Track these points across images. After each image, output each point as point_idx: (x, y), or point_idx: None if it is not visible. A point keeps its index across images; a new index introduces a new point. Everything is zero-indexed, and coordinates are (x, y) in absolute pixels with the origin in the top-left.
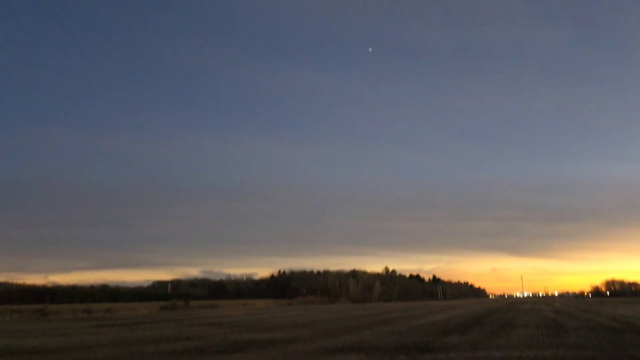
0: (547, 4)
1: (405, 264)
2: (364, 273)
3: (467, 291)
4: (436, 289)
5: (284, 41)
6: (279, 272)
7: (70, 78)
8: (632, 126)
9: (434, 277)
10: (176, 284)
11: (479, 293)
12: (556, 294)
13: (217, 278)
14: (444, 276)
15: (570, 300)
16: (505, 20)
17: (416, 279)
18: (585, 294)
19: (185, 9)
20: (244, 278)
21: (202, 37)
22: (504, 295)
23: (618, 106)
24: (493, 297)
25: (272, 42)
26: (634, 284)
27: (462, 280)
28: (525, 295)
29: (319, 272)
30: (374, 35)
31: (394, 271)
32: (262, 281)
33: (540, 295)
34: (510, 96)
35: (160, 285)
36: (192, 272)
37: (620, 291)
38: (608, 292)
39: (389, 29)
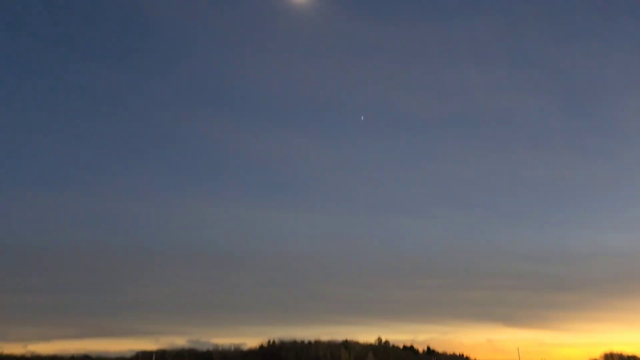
0: (533, 76)
1: (399, 334)
2: (356, 344)
3: None
4: None
5: (278, 108)
6: (269, 341)
7: (53, 142)
8: (622, 195)
9: (428, 348)
10: (161, 354)
11: None
12: None
13: (205, 348)
14: (439, 347)
15: None
16: (493, 90)
17: (410, 350)
18: None
19: (179, 77)
20: (232, 348)
21: (196, 103)
22: None
23: (607, 175)
24: None
25: (267, 109)
26: (634, 357)
27: (458, 352)
28: None
29: (309, 342)
30: (366, 103)
31: (387, 342)
32: (251, 352)
33: None
34: (500, 164)
35: (144, 355)
36: (179, 341)
37: None
38: None
39: (381, 97)
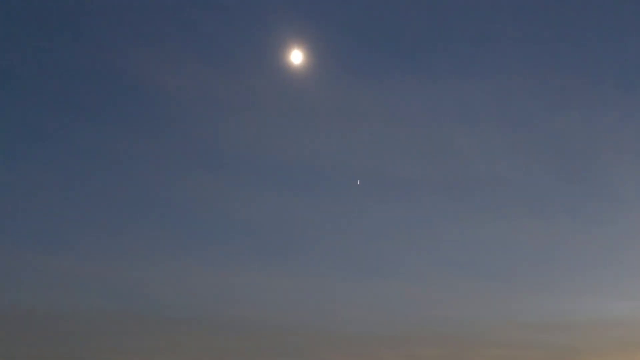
0: (526, 141)
1: None
2: None
3: None
4: None
5: (273, 172)
6: None
7: (46, 202)
8: (622, 262)
9: None
10: None
11: None
12: None
13: None
14: None
15: None
16: (487, 155)
17: None
18: None
19: (175, 139)
20: None
21: (190, 166)
22: None
23: (607, 241)
24: None
25: (262, 173)
26: None
27: None
28: None
29: None
30: (362, 167)
31: None
32: None
33: None
34: (497, 229)
35: None
36: None
37: None
38: None
39: (376, 161)
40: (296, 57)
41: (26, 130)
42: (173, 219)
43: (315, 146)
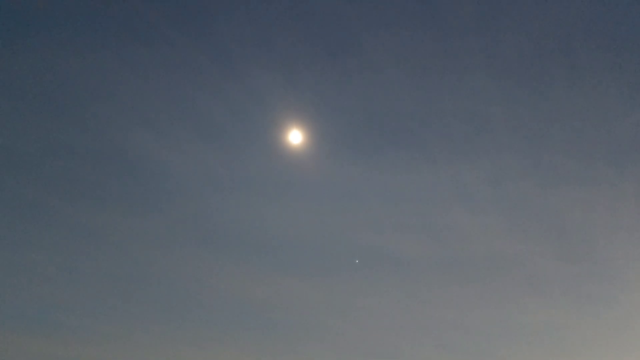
0: (522, 221)
1: None
2: None
3: None
4: None
5: (272, 251)
6: None
7: (38, 280)
8: (626, 342)
9: None
10: None
11: None
12: None
13: None
14: None
15: None
16: (484, 235)
17: None
18: None
19: (173, 217)
20: None
21: (188, 244)
22: None
23: (609, 322)
24: None
25: (260, 252)
26: None
27: None
28: None
29: None
30: (360, 246)
31: None
32: None
33: None
34: (497, 309)
35: None
36: None
37: None
38: None
39: (375, 241)
40: (295, 137)
41: (26, 210)
42: (171, 297)
43: (313, 225)
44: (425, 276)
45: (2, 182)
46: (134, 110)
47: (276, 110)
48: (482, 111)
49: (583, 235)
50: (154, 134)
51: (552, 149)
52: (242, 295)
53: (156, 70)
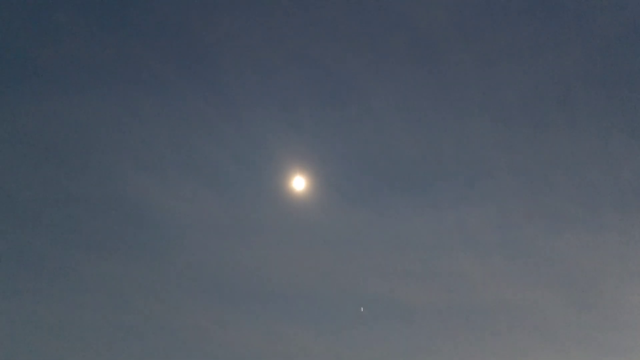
0: (529, 267)
1: None
2: None
3: None
4: None
5: (276, 299)
6: None
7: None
8: None
9: None
10: None
11: None
12: None
13: None
14: None
15: None
16: (490, 280)
17: None
18: None
19: (174, 267)
20: None
21: (190, 294)
22: None
23: None
24: None
25: (264, 300)
26: None
27: None
28: None
29: None
30: (365, 294)
31: None
32: None
33: None
34: (507, 354)
35: None
36: None
37: None
38: None
39: (380, 288)
40: (298, 183)
41: (26, 259)
42: (172, 347)
43: (318, 273)
44: (431, 324)
45: (2, 230)
46: (136, 157)
47: (279, 157)
48: (485, 156)
49: (592, 281)
50: (157, 181)
51: (557, 194)
52: (244, 344)
53: (159, 117)
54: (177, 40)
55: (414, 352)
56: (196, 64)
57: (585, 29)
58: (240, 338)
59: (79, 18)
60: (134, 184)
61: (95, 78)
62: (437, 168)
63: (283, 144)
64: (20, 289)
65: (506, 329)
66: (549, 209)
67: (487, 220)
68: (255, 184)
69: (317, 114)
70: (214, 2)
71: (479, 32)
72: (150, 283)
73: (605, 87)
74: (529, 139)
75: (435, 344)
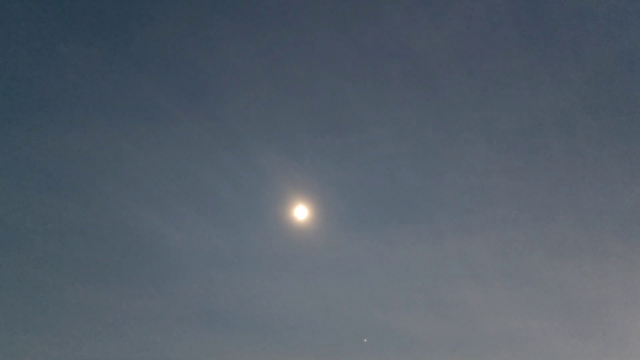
0: (532, 295)
1: None
2: None
3: None
4: None
5: (278, 329)
6: None
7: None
8: None
9: None
10: None
11: None
12: None
13: None
14: None
15: None
16: (493, 309)
17: None
18: None
19: (173, 297)
20: None
21: (189, 324)
22: None
23: None
24: None
25: (265, 330)
26: None
27: None
28: None
29: None
30: (368, 324)
31: None
32: None
33: None
34: None
35: None
36: None
37: None
38: None
39: (382, 318)
40: (300, 213)
41: (25, 289)
42: None
43: (320, 303)
44: (434, 354)
45: (1, 260)
46: (137, 187)
47: (280, 187)
48: (486, 185)
49: (595, 309)
50: (158, 212)
51: (558, 222)
52: None
53: (159, 148)
54: (178, 71)
55: None
56: (197, 94)
57: (584, 57)
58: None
59: (81, 50)
60: (135, 214)
61: (97, 109)
62: (438, 197)
63: (284, 173)
64: (19, 320)
65: (509, 358)
66: (550, 237)
67: (489, 249)
68: (257, 214)
69: (318, 143)
70: (214, 34)
71: (479, 61)
72: (150, 313)
73: (605, 114)
74: (530, 167)
75: None
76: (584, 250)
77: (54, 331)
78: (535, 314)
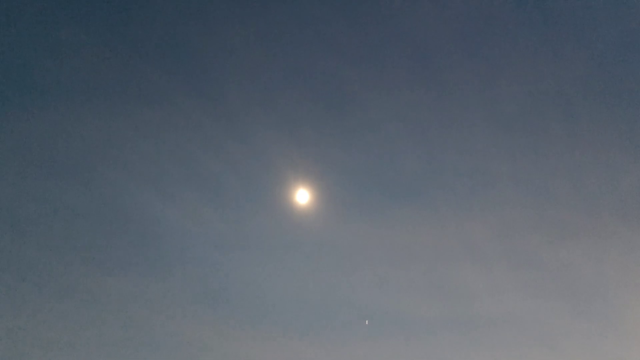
0: (532, 277)
1: None
2: None
3: None
4: None
5: (279, 312)
6: None
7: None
8: None
9: None
10: None
11: None
12: None
13: None
14: None
15: None
16: (493, 291)
17: None
18: None
19: (176, 280)
20: None
21: (192, 307)
22: None
23: None
24: None
25: (267, 313)
26: None
27: None
28: None
29: None
30: (370, 307)
31: None
32: None
33: None
34: None
35: None
36: None
37: None
38: None
39: (383, 301)
40: (302, 196)
41: (28, 273)
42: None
43: (321, 285)
44: (434, 336)
45: (3, 243)
46: (139, 172)
47: (281, 170)
48: (486, 166)
49: (595, 290)
50: (158, 195)
51: (558, 204)
52: (246, 357)
53: (161, 131)
54: (178, 55)
55: None
56: (198, 79)
57: (586, 39)
58: (242, 351)
59: (83, 34)
60: (137, 198)
61: (99, 93)
62: (438, 179)
63: (285, 156)
64: (21, 303)
65: (509, 339)
66: (550, 219)
67: (489, 231)
68: (259, 197)
69: (320, 126)
70: (215, 18)
71: (480, 43)
72: (152, 296)
73: (605, 96)
74: (530, 148)
75: (439, 356)
76: (584, 231)
77: (55, 314)
78: (535, 296)
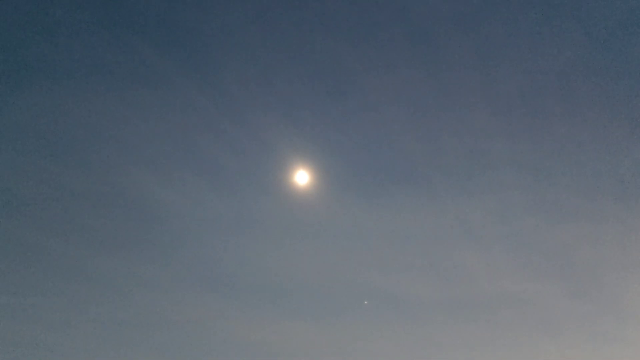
0: (530, 259)
1: None
2: None
3: None
4: None
5: (279, 293)
6: None
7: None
8: None
9: None
10: None
11: None
12: None
13: None
14: None
15: None
16: (492, 273)
17: None
18: None
19: (177, 263)
20: None
21: (193, 289)
22: None
23: None
24: None
25: (267, 295)
26: None
27: None
28: None
29: None
30: (369, 288)
31: None
32: None
33: None
34: (507, 350)
35: None
36: None
37: None
38: None
39: (380, 283)
40: (301, 178)
41: (26, 254)
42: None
43: (319, 267)
44: (432, 317)
45: (3, 226)
46: (138, 154)
47: (280, 152)
48: (484, 148)
49: (593, 271)
50: (157, 177)
51: (556, 185)
52: (247, 339)
53: (160, 114)
54: (176, 36)
55: (415, 345)
56: (196, 60)
57: (585, 20)
58: (243, 331)
59: (82, 15)
60: (136, 180)
61: (97, 75)
62: (437, 160)
63: (284, 138)
64: (22, 285)
65: (507, 320)
66: (548, 201)
67: (487, 213)
68: (258, 179)
69: (318, 108)
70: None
71: (478, 23)
72: (153, 278)
73: (605, 77)
74: (529, 130)
75: (437, 336)
76: (582, 212)
77: (55, 294)
78: (533, 276)
